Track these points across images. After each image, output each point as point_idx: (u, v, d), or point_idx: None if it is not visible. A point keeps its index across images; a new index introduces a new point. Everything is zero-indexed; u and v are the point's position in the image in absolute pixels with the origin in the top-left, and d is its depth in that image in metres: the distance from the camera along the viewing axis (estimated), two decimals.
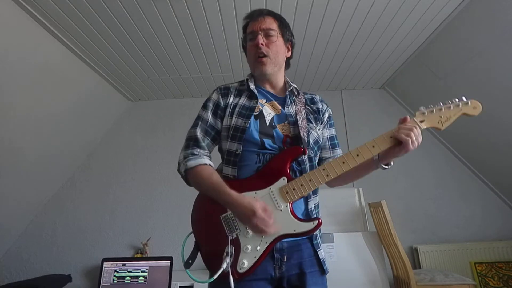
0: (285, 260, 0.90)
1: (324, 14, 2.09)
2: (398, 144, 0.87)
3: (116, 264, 2.45)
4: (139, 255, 2.75)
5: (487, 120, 2.45)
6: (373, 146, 0.88)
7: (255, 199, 0.86)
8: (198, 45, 2.37)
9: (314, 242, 0.95)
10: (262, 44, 1.00)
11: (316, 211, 1.00)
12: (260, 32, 1.02)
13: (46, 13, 1.89)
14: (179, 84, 3.01)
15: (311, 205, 0.96)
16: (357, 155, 0.88)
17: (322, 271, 0.95)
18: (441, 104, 0.89)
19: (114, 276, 2.42)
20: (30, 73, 2.10)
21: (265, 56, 1.01)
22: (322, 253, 0.96)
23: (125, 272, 2.42)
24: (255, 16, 1.06)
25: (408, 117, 0.90)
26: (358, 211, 2.52)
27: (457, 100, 0.88)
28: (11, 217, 2.73)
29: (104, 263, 2.46)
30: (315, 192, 0.99)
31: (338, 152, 1.09)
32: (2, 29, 1.80)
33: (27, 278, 2.67)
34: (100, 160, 3.14)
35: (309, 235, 0.93)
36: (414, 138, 0.84)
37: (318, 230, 0.96)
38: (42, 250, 2.88)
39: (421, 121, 0.88)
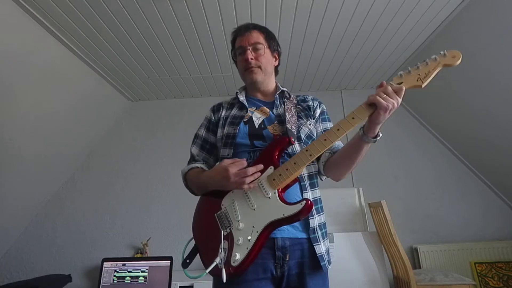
0: (287, 259, 0.89)
1: (324, 14, 2.09)
2: (376, 110, 0.84)
3: (116, 264, 2.45)
4: (139, 255, 2.75)
5: (487, 120, 2.45)
6: (353, 118, 0.86)
7: (222, 161, 0.91)
8: (198, 45, 2.37)
9: (311, 236, 0.93)
10: (251, 58, 1.06)
11: (318, 206, 0.98)
12: (249, 47, 1.07)
13: (46, 13, 1.89)
14: (179, 84, 3.01)
15: (307, 196, 0.95)
16: (338, 129, 0.87)
17: (320, 268, 0.92)
18: (418, 63, 0.87)
19: (114, 276, 2.42)
20: (31, 73, 2.10)
21: (254, 67, 1.07)
22: (320, 248, 0.93)
23: (125, 272, 2.42)
24: (242, 31, 1.11)
25: (384, 82, 0.87)
26: (358, 211, 2.52)
27: (433, 55, 0.86)
28: (11, 217, 2.73)
29: (104, 263, 2.46)
30: (313, 186, 0.99)
31: (336, 144, 1.07)
32: (3, 30, 1.80)
33: (27, 278, 2.67)
34: (100, 160, 3.14)
35: (305, 224, 0.93)
36: (384, 95, 0.82)
37: (319, 225, 0.96)
38: (42, 250, 2.88)
39: (399, 83, 0.86)
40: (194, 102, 3.26)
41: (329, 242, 2.18)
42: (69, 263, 2.84)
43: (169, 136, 3.17)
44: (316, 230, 0.95)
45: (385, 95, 0.82)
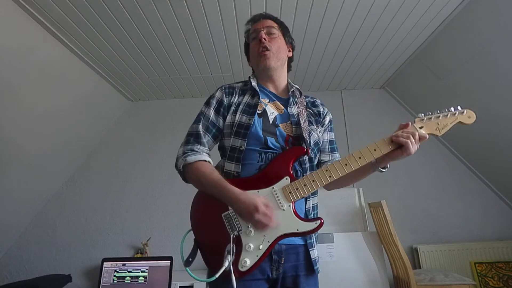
0: (283, 262, 0.91)
1: (324, 14, 2.09)
2: (398, 148, 0.89)
3: (116, 264, 2.45)
4: (139, 255, 2.75)
5: (487, 120, 2.45)
6: (375, 150, 0.90)
7: (257, 195, 0.87)
8: (198, 45, 2.37)
9: (308, 242, 0.96)
10: (265, 38, 1.04)
11: (314, 212, 1.01)
12: (263, 29, 1.06)
13: (46, 13, 1.89)
14: (179, 84, 3.01)
15: (309, 204, 0.98)
16: (360, 157, 0.90)
17: (313, 271, 0.95)
18: (439, 111, 0.94)
19: (114, 276, 2.42)
20: (30, 73, 2.10)
21: (267, 49, 1.04)
22: (314, 253, 0.96)
23: (125, 272, 2.42)
24: (257, 18, 1.12)
25: (410, 123, 0.93)
26: (358, 211, 2.52)
27: (453, 108, 0.94)
28: (12, 217, 2.73)
29: (104, 263, 2.46)
30: (314, 193, 1.01)
31: (336, 156, 1.12)
32: (2, 29, 1.80)
33: (27, 278, 2.67)
34: (100, 160, 3.14)
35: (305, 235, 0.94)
36: (414, 141, 0.87)
37: None
38: (42, 250, 2.88)
39: (420, 127, 0.92)
40: (194, 102, 3.26)
41: (329, 242, 2.19)
42: (69, 263, 2.84)
43: (169, 136, 3.17)
44: (312, 235, 0.97)
45: (413, 141, 0.87)
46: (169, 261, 2.41)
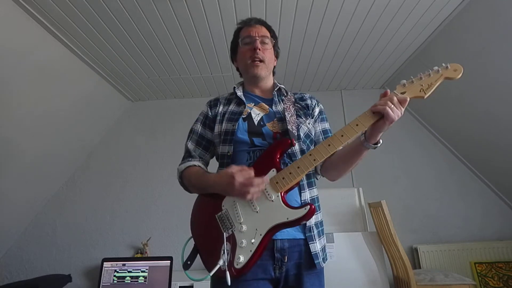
0: (286, 260, 0.90)
1: (324, 14, 2.09)
2: (381, 118, 0.84)
3: (116, 264, 2.45)
4: (139, 255, 2.75)
5: (487, 119, 2.45)
6: (357, 125, 0.86)
7: (230, 167, 0.87)
8: (198, 45, 2.37)
9: (307, 235, 0.93)
10: (259, 49, 1.06)
11: (316, 205, 0.98)
12: (258, 38, 1.08)
13: (46, 13, 1.89)
14: (179, 84, 3.01)
15: (305, 196, 0.96)
16: (342, 135, 0.87)
17: (315, 266, 0.92)
18: (421, 73, 0.87)
19: (114, 276, 2.42)
20: (30, 73, 2.10)
21: (260, 60, 1.07)
22: (315, 246, 0.93)
23: (125, 272, 2.42)
24: (252, 22, 1.12)
25: (388, 91, 0.88)
26: (358, 211, 2.52)
27: (436, 67, 0.87)
28: (11, 217, 2.73)
29: (104, 263, 2.46)
30: (311, 185, 0.99)
31: None
32: (2, 29, 1.80)
33: (27, 278, 2.67)
34: (100, 160, 3.14)
35: (302, 224, 0.91)
36: (392, 106, 0.83)
37: (315, 224, 0.97)
38: (42, 250, 2.88)
39: (403, 93, 0.86)
40: (194, 102, 3.26)
41: (329, 242, 2.19)
42: (69, 263, 2.84)
43: (169, 136, 3.17)
44: (312, 229, 0.95)
45: (392, 106, 0.83)
46: (169, 261, 2.41)
